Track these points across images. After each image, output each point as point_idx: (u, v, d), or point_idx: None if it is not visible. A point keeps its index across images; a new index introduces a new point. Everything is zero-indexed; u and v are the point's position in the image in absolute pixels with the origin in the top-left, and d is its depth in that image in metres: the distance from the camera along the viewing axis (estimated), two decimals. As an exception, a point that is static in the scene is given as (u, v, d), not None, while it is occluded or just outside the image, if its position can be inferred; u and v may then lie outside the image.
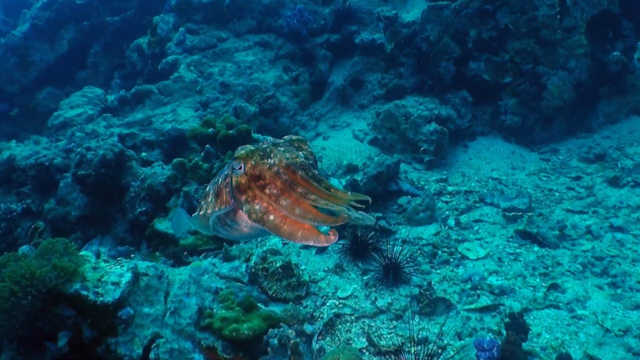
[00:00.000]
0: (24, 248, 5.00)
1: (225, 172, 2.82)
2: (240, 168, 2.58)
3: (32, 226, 8.14)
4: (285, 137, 2.77)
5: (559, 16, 9.67)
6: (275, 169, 2.46)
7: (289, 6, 12.55)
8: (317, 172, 2.52)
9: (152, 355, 4.33)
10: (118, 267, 4.66)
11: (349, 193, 2.42)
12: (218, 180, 2.96)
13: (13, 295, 3.99)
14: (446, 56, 10.48)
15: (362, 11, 12.49)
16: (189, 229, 2.89)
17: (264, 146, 2.63)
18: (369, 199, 2.45)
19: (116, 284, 4.38)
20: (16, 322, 4.05)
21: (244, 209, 2.60)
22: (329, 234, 2.34)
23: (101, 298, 4.20)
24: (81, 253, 4.71)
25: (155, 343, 4.43)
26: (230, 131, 8.40)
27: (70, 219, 8.25)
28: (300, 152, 2.59)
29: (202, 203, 3.06)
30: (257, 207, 2.51)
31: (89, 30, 15.43)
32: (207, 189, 3.11)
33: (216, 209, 2.84)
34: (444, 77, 10.53)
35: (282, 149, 2.57)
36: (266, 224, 2.48)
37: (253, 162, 2.57)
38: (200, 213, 3.04)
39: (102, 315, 4.21)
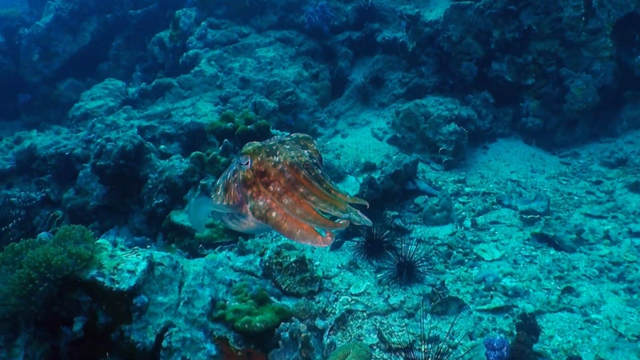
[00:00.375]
0: (43, 234, 5.07)
1: (234, 168, 2.88)
2: (247, 163, 2.64)
3: (51, 215, 8.25)
4: (292, 134, 2.81)
5: (584, 18, 9.57)
6: (280, 166, 2.50)
7: (311, 2, 12.57)
8: (320, 172, 2.56)
9: (164, 343, 4.38)
10: (134, 255, 4.72)
11: (349, 195, 2.46)
12: (227, 174, 3.01)
13: (31, 281, 4.07)
14: (468, 56, 10.42)
15: (384, 9, 12.46)
16: (208, 215, 2.93)
17: (271, 143, 2.68)
18: (367, 203, 2.49)
19: (132, 272, 4.43)
20: (35, 307, 4.13)
21: (249, 205, 2.65)
22: (326, 236, 2.38)
23: (117, 285, 4.25)
24: (98, 241, 4.77)
25: (168, 331, 4.47)
26: (248, 126, 8.44)
27: (88, 208, 8.35)
28: (306, 151, 2.62)
29: (212, 196, 3.12)
30: (261, 203, 2.56)
31: (112, 22, 15.59)
32: (217, 182, 3.16)
33: (224, 203, 2.89)
34: (465, 77, 10.47)
35: (288, 147, 2.61)
36: (269, 221, 2.53)
37: (259, 159, 2.62)
38: (219, 202, 3.10)
39: (117, 302, 4.27)
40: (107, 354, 4.18)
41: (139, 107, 10.92)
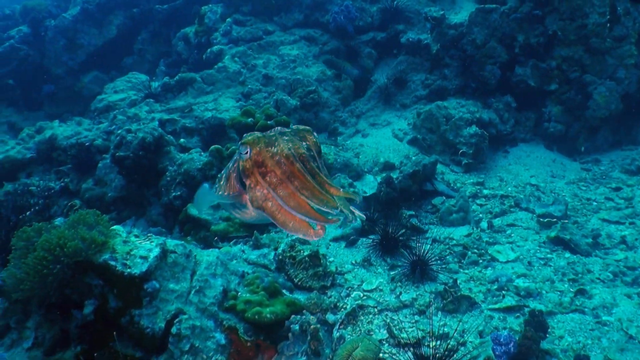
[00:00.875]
0: (58, 220, 5.16)
1: (236, 158, 2.93)
2: (247, 153, 2.69)
3: (69, 204, 8.34)
4: (293, 126, 2.85)
5: (609, 25, 9.47)
6: (277, 157, 2.55)
7: (337, 2, 12.61)
8: (315, 165, 2.60)
9: (174, 330, 4.43)
10: (147, 242, 4.78)
11: (342, 190, 2.50)
12: (230, 165, 3.06)
13: (45, 264, 4.14)
14: (492, 60, 10.37)
15: (409, 10, 12.46)
16: (211, 204, 2.99)
17: (271, 134, 2.73)
18: (359, 197, 2.52)
19: (144, 257, 4.49)
20: (50, 289, 4.20)
21: (248, 196, 2.71)
22: (317, 229, 2.43)
23: (128, 270, 4.31)
24: (113, 227, 4.84)
25: (178, 318, 4.52)
26: (269, 122, 8.50)
27: (106, 199, 8.44)
28: (304, 143, 2.66)
29: (216, 186, 3.17)
30: (258, 193, 2.61)
31: (138, 17, 15.77)
32: (222, 173, 3.21)
33: (225, 193, 2.95)
34: (488, 80, 10.42)
35: (286, 138, 2.66)
36: (265, 210, 2.58)
37: (258, 149, 2.67)
38: (220, 192, 3.15)
39: (129, 286, 4.33)
40: (117, 338, 4.24)
41: (161, 101, 11.03)
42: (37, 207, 8.01)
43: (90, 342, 4.20)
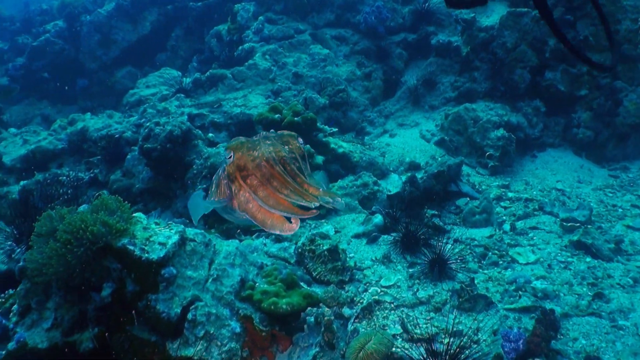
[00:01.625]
0: (83, 206, 5.29)
1: (223, 163, 3.02)
2: (230, 157, 2.78)
3: (97, 195, 8.55)
4: (278, 131, 2.93)
5: (642, 30, 9.34)
6: (257, 161, 2.63)
7: (369, 2, 12.65)
8: (295, 167, 2.67)
9: (189, 316, 4.51)
10: (167, 230, 4.88)
11: (321, 190, 2.56)
12: (220, 171, 3.15)
13: (70, 248, 4.26)
14: (522, 64, 10.29)
15: (441, 12, 12.43)
16: (206, 211, 3.07)
17: (255, 139, 2.81)
18: (340, 198, 2.58)
19: (163, 244, 4.59)
20: (73, 271, 4.32)
21: (235, 200, 2.80)
22: (292, 223, 2.51)
23: (146, 255, 4.41)
24: (134, 214, 4.95)
25: (194, 305, 4.60)
26: (295, 118, 8.58)
27: (133, 191, 8.61)
28: (287, 147, 2.73)
29: (210, 191, 3.27)
30: (242, 198, 2.70)
31: (172, 13, 16.02)
32: (213, 179, 3.30)
33: (216, 199, 3.04)
34: (518, 84, 10.34)
35: (269, 142, 2.74)
36: (248, 212, 2.67)
37: (240, 153, 2.75)
38: (212, 198, 3.24)
39: (146, 271, 4.42)
40: (133, 321, 4.34)
41: (191, 96, 11.20)
42: (65, 197, 8.20)
43: (107, 324, 4.31)
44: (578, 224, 7.18)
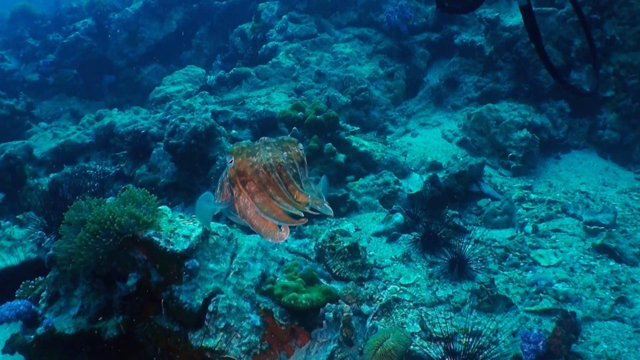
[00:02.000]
0: (111, 198, 5.41)
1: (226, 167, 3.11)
2: (231, 162, 2.86)
3: (123, 188, 8.70)
4: (279, 137, 2.99)
5: (672, 30, 9.21)
6: (256, 167, 2.70)
7: (392, 1, 12.65)
8: (291, 174, 2.73)
9: (210, 307, 4.60)
10: (191, 223, 4.98)
11: (310, 196, 2.63)
12: (223, 174, 3.22)
13: (97, 239, 4.37)
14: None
15: (465, 12, 12.37)
16: (214, 212, 3.15)
17: (256, 144, 2.88)
18: (327, 204, 2.66)
19: (187, 237, 4.69)
20: (100, 261, 4.44)
21: (236, 204, 2.88)
22: (282, 231, 2.59)
23: (171, 247, 4.51)
24: (160, 207, 5.06)
25: (215, 297, 4.70)
26: (318, 116, 8.63)
27: (158, 185, 8.75)
28: (285, 153, 2.79)
29: (215, 193, 3.35)
30: (242, 203, 2.78)
31: (197, 12, 16.20)
32: (219, 180, 3.38)
33: (219, 201, 3.12)
34: (542, 85, 10.28)
35: (268, 148, 2.80)
36: (246, 218, 2.74)
37: (240, 159, 2.82)
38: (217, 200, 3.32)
39: (170, 262, 4.52)
40: (157, 311, 4.44)
41: (215, 94, 11.32)
42: (92, 190, 8.37)
43: (132, 313, 4.41)
44: (602, 227, 7.13)
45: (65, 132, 10.54)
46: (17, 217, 7.61)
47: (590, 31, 3.30)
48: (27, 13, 20.05)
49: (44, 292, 4.95)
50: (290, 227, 2.65)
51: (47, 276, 4.98)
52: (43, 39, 17.74)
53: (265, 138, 3.09)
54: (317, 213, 2.64)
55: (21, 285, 5.40)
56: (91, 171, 8.96)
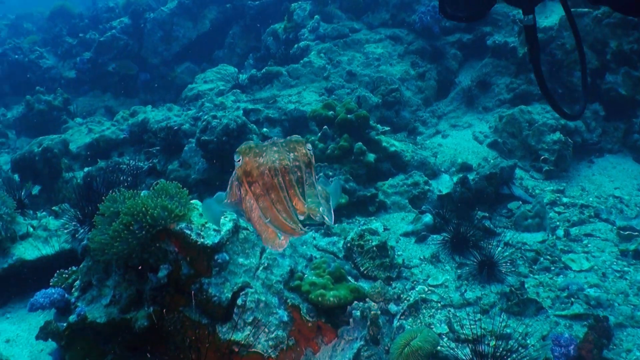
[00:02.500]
0: (144, 192, 5.51)
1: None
2: (239, 161, 2.87)
3: (155, 183, 8.84)
4: (288, 137, 3.00)
5: None
6: (262, 168, 2.69)
7: (424, 2, 12.59)
8: (294, 177, 2.73)
9: (239, 301, 4.65)
10: (222, 217, 5.03)
11: (307, 206, 2.62)
12: (234, 173, 3.24)
13: (131, 231, 4.46)
14: (581, 66, 10.04)
15: (497, 12, 12.26)
16: (222, 214, 3.19)
17: (264, 144, 2.88)
18: (323, 214, 2.65)
19: (217, 231, 4.75)
20: (132, 252, 4.53)
21: (243, 204, 2.89)
22: (282, 239, 2.60)
23: (202, 240, 4.57)
24: (191, 201, 5.13)
25: (244, 291, 4.74)
26: (349, 115, 8.64)
27: (189, 181, 8.86)
28: (292, 154, 2.78)
29: (226, 192, 3.37)
30: (247, 204, 2.78)
31: (230, 12, 16.35)
32: (230, 179, 3.41)
33: (228, 201, 3.13)
34: (576, 87, 10.12)
35: (275, 149, 2.79)
36: (251, 220, 2.75)
37: (247, 158, 2.82)
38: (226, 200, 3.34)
39: (201, 255, 4.59)
40: (187, 303, 4.50)
41: (247, 92, 11.41)
42: (125, 184, 8.50)
43: (162, 304, 4.49)
44: (636, 233, 7.00)
45: (100, 128, 10.75)
46: (53, 208, 7.79)
47: (584, 58, 3.29)
48: (65, 12, 20.50)
49: (77, 282, 5.07)
50: (303, 229, 2.66)
51: (81, 266, 5.09)
52: (80, 37, 18.09)
53: (274, 138, 3.11)
54: (317, 223, 2.65)
55: (55, 274, 5.54)
56: (124, 166, 9.11)
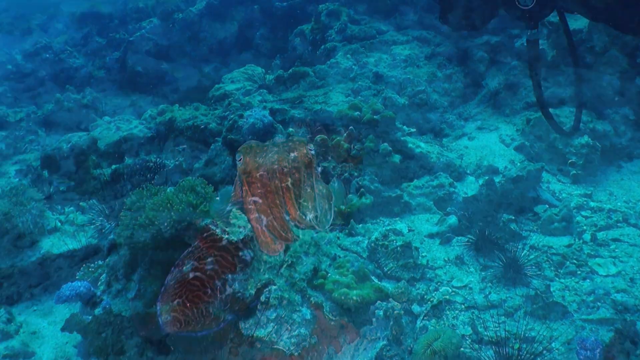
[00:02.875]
0: (171, 188, 5.57)
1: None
2: (240, 160, 2.88)
3: (181, 180, 8.92)
4: (290, 137, 3.00)
5: None
6: (260, 171, 2.69)
7: (453, 4, 12.53)
8: (292, 180, 2.72)
9: (263, 297, 4.68)
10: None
11: (298, 213, 2.61)
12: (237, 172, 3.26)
13: (154, 227, 4.52)
14: (611, 69, 9.93)
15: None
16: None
17: (265, 144, 2.88)
18: (319, 224, 2.64)
19: (242, 227, 4.76)
20: (158, 246, 4.59)
21: (245, 204, 2.90)
22: (277, 245, 2.62)
23: (227, 236, 4.60)
24: (217, 198, 5.17)
25: (267, 288, 4.77)
26: (375, 116, 8.65)
27: (215, 179, 8.91)
28: (292, 154, 2.77)
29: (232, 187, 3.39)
30: (249, 206, 2.79)
31: (258, 13, 16.43)
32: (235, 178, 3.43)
33: (233, 200, 3.15)
34: (605, 90, 9.98)
35: (276, 149, 2.79)
36: (251, 222, 2.76)
37: (247, 158, 2.84)
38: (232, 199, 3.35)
39: (226, 251, 4.62)
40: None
41: (273, 92, 11.45)
42: (152, 181, 8.61)
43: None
44: (664, 238, 6.90)
45: (128, 126, 10.89)
46: (80, 204, 7.93)
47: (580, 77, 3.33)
48: (95, 12, 20.78)
49: (103, 275, 5.15)
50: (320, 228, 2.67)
51: (107, 260, 5.17)
52: (110, 37, 18.34)
53: (277, 138, 3.12)
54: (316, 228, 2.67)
55: (82, 268, 5.64)
56: (151, 163, 9.21)
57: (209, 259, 4.45)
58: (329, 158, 8.21)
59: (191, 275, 4.20)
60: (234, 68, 14.56)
